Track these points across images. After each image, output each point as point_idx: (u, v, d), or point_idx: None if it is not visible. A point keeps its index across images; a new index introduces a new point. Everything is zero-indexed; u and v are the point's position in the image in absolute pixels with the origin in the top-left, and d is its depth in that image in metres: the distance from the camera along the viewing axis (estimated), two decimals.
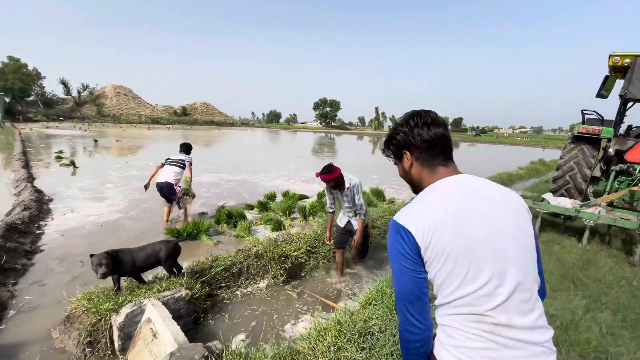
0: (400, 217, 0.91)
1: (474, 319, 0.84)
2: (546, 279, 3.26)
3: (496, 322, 0.82)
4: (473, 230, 0.84)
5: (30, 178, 7.76)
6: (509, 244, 0.85)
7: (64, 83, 61.59)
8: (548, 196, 5.12)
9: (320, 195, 7.09)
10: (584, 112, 5.62)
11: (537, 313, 0.85)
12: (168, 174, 4.93)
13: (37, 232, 4.48)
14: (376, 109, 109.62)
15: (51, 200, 6.17)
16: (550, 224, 5.39)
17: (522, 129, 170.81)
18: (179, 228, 4.47)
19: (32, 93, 55.83)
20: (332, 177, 3.14)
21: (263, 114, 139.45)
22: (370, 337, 2.19)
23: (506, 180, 11.04)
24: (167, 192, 4.94)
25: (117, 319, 2.25)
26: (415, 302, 0.89)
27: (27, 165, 9.47)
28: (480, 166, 16.89)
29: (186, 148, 5.35)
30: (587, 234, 4.41)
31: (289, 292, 3.31)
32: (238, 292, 3.20)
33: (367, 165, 14.37)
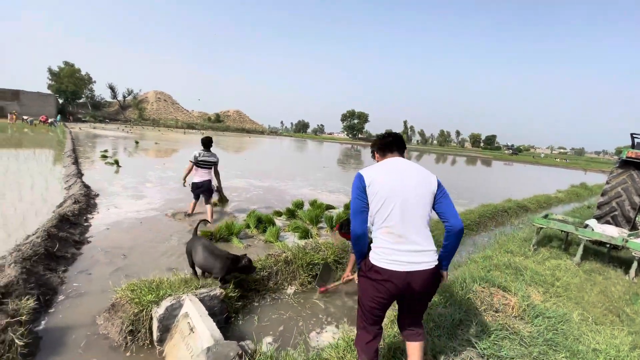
0: (362, 170, 1.72)
1: (386, 231, 1.62)
2: (588, 309, 3.07)
3: (394, 233, 1.60)
4: (393, 183, 1.63)
5: (79, 174, 8.39)
6: (411, 194, 1.62)
7: (111, 88, 66.53)
8: (592, 223, 4.83)
9: (347, 207, 7.11)
10: (634, 135, 5.30)
11: (421, 235, 1.62)
12: (205, 174, 5.35)
13: (85, 224, 4.84)
14: (405, 122, 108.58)
15: (97, 195, 6.64)
16: (593, 253, 5.06)
17: (562, 150, 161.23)
18: (213, 230, 4.65)
19: (83, 96, 60.57)
20: None
21: (291, 123, 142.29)
22: (401, 354, 2.17)
23: (544, 203, 10.49)
24: (208, 191, 5.39)
25: (158, 311, 2.39)
26: (358, 215, 1.67)
27: (76, 162, 10.25)
28: (514, 187, 16.17)
29: (208, 143, 5.46)
30: (635, 265, 4.11)
31: (315, 300, 3.34)
32: (267, 296, 3.27)
33: None
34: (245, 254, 3.06)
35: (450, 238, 1.66)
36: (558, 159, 65.63)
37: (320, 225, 5.88)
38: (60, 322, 2.61)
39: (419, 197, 1.63)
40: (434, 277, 1.64)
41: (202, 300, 2.54)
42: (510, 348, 2.35)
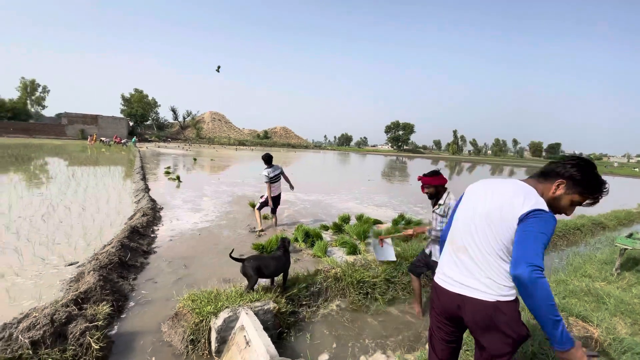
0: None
1: (449, 241, 1.56)
2: None
3: (454, 244, 1.50)
4: (477, 194, 1.53)
5: (147, 189, 9.29)
6: (481, 211, 1.43)
7: (173, 110, 73.62)
8: None
9: (396, 222, 6.89)
10: None
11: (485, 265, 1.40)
12: (278, 187, 5.99)
13: (152, 235, 5.30)
14: (454, 132, 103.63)
15: (162, 208, 7.26)
16: None
17: None
18: (264, 243, 4.80)
19: (150, 118, 67.69)
20: (434, 181, 2.85)
21: (335, 137, 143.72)
22: None
23: (624, 219, 9.18)
24: (277, 202, 6.04)
25: (216, 322, 2.50)
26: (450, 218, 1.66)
27: (144, 178, 11.39)
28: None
29: (270, 159, 5.95)
30: None
31: (368, 319, 3.22)
32: (317, 313, 3.25)
33: None
34: (286, 237, 3.51)
35: (519, 290, 1.26)
36: (637, 169, 57.36)
37: (368, 240, 5.75)
38: (130, 328, 2.84)
39: (490, 216, 1.38)
40: (491, 311, 1.34)
41: (256, 313, 2.60)
42: None
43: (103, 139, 39.46)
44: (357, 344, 2.83)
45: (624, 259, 4.59)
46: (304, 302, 3.26)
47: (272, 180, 5.81)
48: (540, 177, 1.46)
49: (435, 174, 2.90)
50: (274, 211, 6.18)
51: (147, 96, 65.47)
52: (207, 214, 7.05)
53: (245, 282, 3.33)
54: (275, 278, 3.44)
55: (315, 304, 3.32)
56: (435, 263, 2.88)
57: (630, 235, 4.70)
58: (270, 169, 5.81)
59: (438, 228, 2.91)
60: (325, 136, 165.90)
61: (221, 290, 2.94)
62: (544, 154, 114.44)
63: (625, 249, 4.39)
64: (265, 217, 6.88)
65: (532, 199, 1.32)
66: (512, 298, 1.38)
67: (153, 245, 4.85)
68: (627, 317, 3.02)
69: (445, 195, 2.94)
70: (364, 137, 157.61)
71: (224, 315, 2.52)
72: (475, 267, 1.40)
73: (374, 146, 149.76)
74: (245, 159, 28.08)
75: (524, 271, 1.18)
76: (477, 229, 1.42)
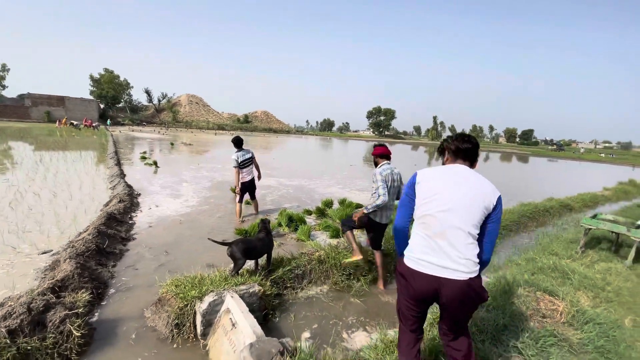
0: (419, 170, 1.70)
1: (422, 227, 1.59)
2: None
3: (430, 231, 1.56)
4: (442, 186, 1.57)
5: (122, 174, 8.95)
6: (459, 204, 1.52)
7: (147, 92, 70.08)
8: None
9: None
10: None
11: (463, 248, 1.53)
12: (250, 173, 5.62)
13: (130, 222, 5.15)
14: (434, 118, 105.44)
15: (139, 194, 7.04)
16: None
17: (607, 144, 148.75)
18: (247, 228, 4.78)
19: (122, 100, 64.31)
20: (373, 152, 3.40)
21: (317, 122, 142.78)
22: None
23: (589, 202, 9.79)
24: (253, 187, 5.71)
25: (201, 306, 2.50)
26: (400, 208, 1.74)
27: (118, 163, 10.94)
28: (556, 185, 15.25)
29: (240, 142, 5.60)
30: None
31: (350, 299, 3.33)
32: (301, 295, 3.31)
33: None
34: (266, 218, 3.53)
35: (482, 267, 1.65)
36: (603, 154, 60.91)
37: None
38: (111, 315, 2.80)
39: (469, 210, 1.52)
40: (468, 290, 1.49)
41: (241, 296, 2.62)
42: (559, 355, 2.22)
43: (73, 122, 37.32)
44: (340, 322, 2.93)
45: (588, 238, 4.93)
46: (289, 285, 3.31)
47: (242, 165, 5.48)
48: (465, 160, 1.69)
49: (375, 146, 3.41)
50: (252, 197, 5.96)
51: (118, 77, 61.94)
52: (187, 199, 6.92)
53: (230, 266, 3.34)
54: (260, 261, 3.47)
55: (300, 285, 3.39)
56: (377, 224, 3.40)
57: (594, 216, 5.04)
58: (239, 153, 5.48)
59: (373, 192, 3.29)
60: (307, 121, 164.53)
61: (205, 275, 2.93)
62: (517, 139, 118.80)
63: (590, 228, 4.71)
64: (247, 203, 6.83)
65: (491, 185, 1.60)
66: (478, 272, 1.56)
67: (132, 232, 4.72)
68: (590, 291, 3.28)
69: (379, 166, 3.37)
70: (346, 123, 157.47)
71: (209, 299, 2.52)
72: (453, 250, 1.51)
73: (355, 131, 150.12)
74: (225, 143, 27.44)
75: (489, 259, 1.65)
76: (456, 215, 1.52)
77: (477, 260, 1.54)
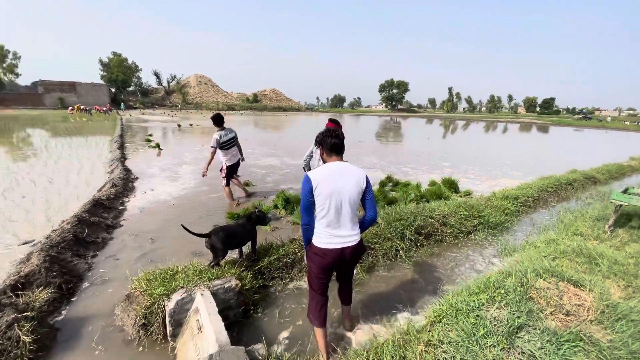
0: (309, 173, 1.99)
1: (325, 223, 2.00)
2: None
3: (331, 225, 2.00)
4: (332, 186, 1.94)
5: (123, 158, 8.78)
6: (345, 196, 1.96)
7: (156, 74, 69.65)
8: None
9: (383, 184, 6.60)
10: None
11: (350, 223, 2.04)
12: (235, 153, 5.20)
13: (120, 207, 4.94)
14: (450, 89, 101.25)
15: (137, 178, 6.84)
16: None
17: (632, 112, 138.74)
18: (239, 212, 4.48)
19: (132, 84, 64.30)
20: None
21: (327, 98, 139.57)
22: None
23: (615, 172, 9.02)
24: (236, 170, 5.35)
25: (169, 305, 2.22)
26: (306, 210, 2.02)
27: (122, 147, 10.80)
28: (578, 155, 14.29)
29: (221, 119, 5.06)
30: None
31: None
32: (291, 286, 3.00)
33: (437, 152, 13.17)
34: (257, 209, 3.30)
35: (366, 223, 2.14)
36: (628, 122, 57.25)
37: None
38: (80, 312, 2.58)
39: (352, 197, 1.99)
40: (359, 248, 2.11)
41: (216, 293, 2.33)
42: None
43: (88, 108, 37.68)
44: (331, 317, 2.62)
45: (618, 215, 4.39)
46: (276, 275, 3.00)
47: (224, 146, 4.96)
48: (338, 155, 2.08)
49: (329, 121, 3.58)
50: (234, 178, 5.52)
51: (126, 59, 61.62)
52: (184, 182, 6.67)
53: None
54: (244, 249, 3.18)
55: (288, 275, 3.07)
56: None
57: (625, 191, 4.46)
58: (222, 132, 4.93)
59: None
60: (317, 98, 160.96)
61: (179, 268, 2.64)
62: (537, 109, 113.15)
63: (621, 205, 4.17)
64: (247, 184, 6.52)
65: (359, 170, 2.05)
66: (360, 236, 2.12)
67: (120, 219, 4.51)
68: (621, 279, 2.83)
69: None
70: (358, 98, 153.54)
71: (177, 297, 2.24)
72: (347, 230, 2.04)
73: (367, 107, 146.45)
74: (234, 124, 27.06)
75: (376, 215, 2.12)
76: (344, 206, 1.99)
77: (359, 231, 2.11)
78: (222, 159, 5.13)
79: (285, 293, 2.90)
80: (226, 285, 2.40)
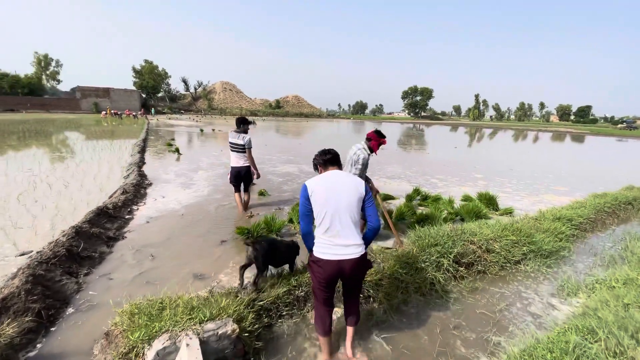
0: (307, 181, 2.04)
1: (322, 231, 1.96)
2: None
3: (329, 233, 1.94)
4: (328, 193, 1.96)
5: (141, 163, 8.67)
6: (342, 203, 1.94)
7: (184, 81, 72.33)
8: None
9: (410, 198, 5.98)
10: None
11: (350, 232, 1.96)
12: (239, 159, 4.71)
13: (127, 217, 4.64)
14: (476, 96, 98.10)
15: (150, 184, 6.61)
16: None
17: None
18: (250, 227, 4.05)
19: (161, 90, 66.89)
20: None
21: (349, 105, 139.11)
22: None
23: None
24: (247, 176, 4.80)
25: (148, 355, 1.78)
26: (304, 218, 2.03)
27: (142, 151, 10.79)
28: (629, 169, 12.95)
29: (243, 123, 4.69)
30: None
31: (374, 337, 2.43)
32: (302, 325, 2.49)
33: (467, 162, 12.29)
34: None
35: (369, 233, 2.05)
36: None
37: None
38: (56, 348, 2.19)
39: (350, 203, 1.96)
40: (361, 263, 1.99)
41: (206, 341, 1.86)
42: None
43: (120, 112, 39.40)
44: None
45: None
46: (285, 313, 2.50)
47: (231, 147, 4.69)
48: (333, 165, 2.17)
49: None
50: (245, 189, 5.04)
51: (157, 67, 64.27)
52: (198, 189, 6.36)
53: (212, 277, 2.62)
54: (247, 272, 2.76)
55: (300, 312, 2.56)
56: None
57: None
58: (232, 132, 4.68)
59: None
60: (339, 104, 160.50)
61: (170, 300, 2.20)
62: (572, 117, 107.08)
63: None
64: (261, 194, 6.13)
65: (358, 179, 2.06)
66: (365, 250, 2.02)
67: (124, 229, 4.19)
68: None
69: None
70: (380, 105, 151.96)
71: (157, 345, 1.79)
72: (347, 239, 1.94)
73: (390, 114, 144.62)
74: (256, 130, 27.15)
75: (379, 223, 2.04)
76: (342, 214, 1.94)
77: (362, 242, 2.00)
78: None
79: (296, 335, 2.39)
80: (220, 332, 1.93)
